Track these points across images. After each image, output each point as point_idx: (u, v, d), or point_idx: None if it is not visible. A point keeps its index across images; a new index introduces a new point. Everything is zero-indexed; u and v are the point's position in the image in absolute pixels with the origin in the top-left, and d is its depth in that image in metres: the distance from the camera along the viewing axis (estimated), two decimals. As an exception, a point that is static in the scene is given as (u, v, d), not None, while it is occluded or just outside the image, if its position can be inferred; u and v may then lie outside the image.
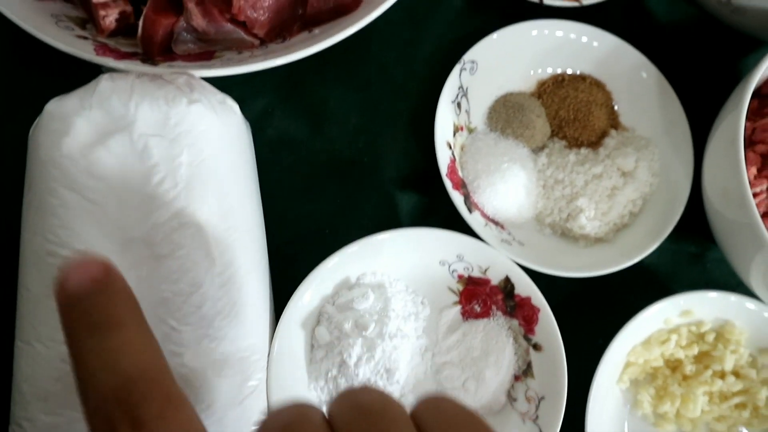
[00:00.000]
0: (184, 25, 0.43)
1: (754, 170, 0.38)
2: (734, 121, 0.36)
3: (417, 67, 0.48)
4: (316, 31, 0.45)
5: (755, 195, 0.37)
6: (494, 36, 0.44)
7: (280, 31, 0.44)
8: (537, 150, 0.46)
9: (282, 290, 0.39)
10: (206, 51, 0.44)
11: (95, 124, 0.34)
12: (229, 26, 0.42)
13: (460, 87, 0.44)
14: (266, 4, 0.42)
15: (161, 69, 0.41)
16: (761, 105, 0.40)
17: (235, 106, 0.40)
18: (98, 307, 0.18)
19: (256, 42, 0.44)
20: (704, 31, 0.50)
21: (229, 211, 0.37)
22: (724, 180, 0.38)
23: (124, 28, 0.43)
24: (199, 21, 0.42)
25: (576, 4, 0.42)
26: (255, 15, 0.42)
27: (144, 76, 0.36)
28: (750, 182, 0.35)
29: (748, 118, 0.37)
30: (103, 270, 0.18)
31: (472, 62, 0.44)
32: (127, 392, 0.17)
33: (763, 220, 0.34)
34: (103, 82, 0.35)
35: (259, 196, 0.41)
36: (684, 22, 0.51)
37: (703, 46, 0.50)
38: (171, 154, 0.35)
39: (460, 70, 0.44)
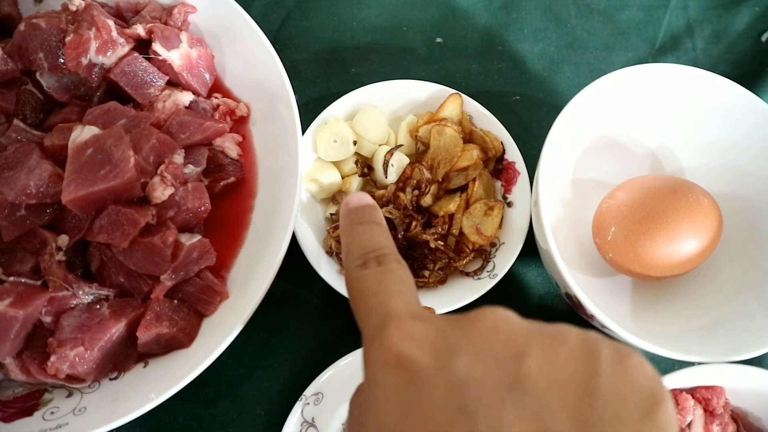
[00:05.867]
0: (2, 376, 0.40)
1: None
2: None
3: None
4: (151, 363, 0.42)
5: None
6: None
7: (113, 369, 0.42)
8: None
9: None
10: (34, 392, 0.42)
11: None
12: (50, 380, 0.40)
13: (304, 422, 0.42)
14: (89, 358, 0.39)
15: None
16: None
17: None
18: (365, 214, 0.32)
19: (85, 383, 0.41)
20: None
21: None
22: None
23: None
24: (18, 376, 0.40)
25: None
26: (77, 371, 0.39)
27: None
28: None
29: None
30: (370, 200, 0.33)
31: (317, 394, 0.42)
32: (378, 249, 0.29)
33: None
34: None
35: None
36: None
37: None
38: None
39: (303, 405, 0.42)
